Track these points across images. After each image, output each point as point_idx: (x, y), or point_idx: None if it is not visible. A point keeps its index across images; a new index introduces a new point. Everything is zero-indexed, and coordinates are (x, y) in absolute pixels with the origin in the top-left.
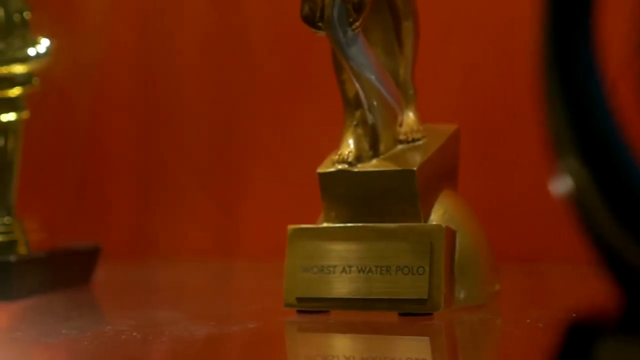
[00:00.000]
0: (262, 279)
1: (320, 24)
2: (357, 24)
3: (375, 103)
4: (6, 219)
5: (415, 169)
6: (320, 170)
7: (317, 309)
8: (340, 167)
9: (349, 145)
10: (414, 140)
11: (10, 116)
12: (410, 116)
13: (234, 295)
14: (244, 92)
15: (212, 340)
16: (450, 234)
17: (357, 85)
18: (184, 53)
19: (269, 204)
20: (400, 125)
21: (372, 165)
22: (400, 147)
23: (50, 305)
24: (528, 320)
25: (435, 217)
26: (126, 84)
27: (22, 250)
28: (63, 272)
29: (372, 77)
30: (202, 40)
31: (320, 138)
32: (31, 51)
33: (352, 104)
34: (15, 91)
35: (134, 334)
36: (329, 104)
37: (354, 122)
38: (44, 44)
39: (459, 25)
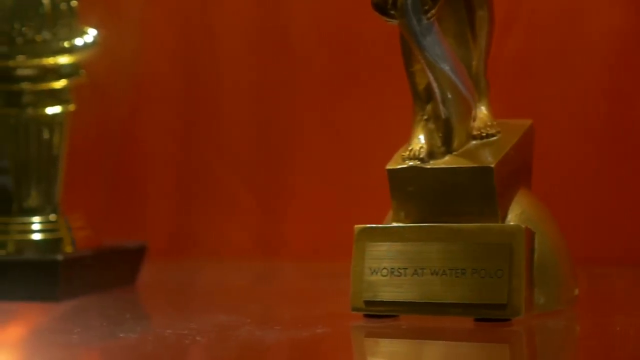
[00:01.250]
0: (312, 280)
1: (393, 12)
2: (433, 12)
3: (449, 96)
4: (51, 216)
5: (493, 165)
6: (390, 166)
7: (386, 314)
8: (411, 163)
9: (420, 141)
10: (488, 136)
11: (56, 109)
12: (482, 110)
13: (289, 297)
14: (288, 86)
15: (283, 346)
16: (530, 235)
17: (430, 77)
18: (225, 46)
19: (314, 203)
20: (474, 120)
21: (446, 161)
22: (473, 142)
23: (99, 306)
24: (618, 328)
25: (513, 217)
26: (167, 77)
27: (68, 248)
28: (109, 271)
29: (447, 68)
30: (244, 33)
31: (367, 134)
32: (78, 41)
33: (423, 97)
34: (61, 83)
35: (198, 338)
36: (376, 98)
37: (425, 116)
38: (91, 34)
39: (519, 16)
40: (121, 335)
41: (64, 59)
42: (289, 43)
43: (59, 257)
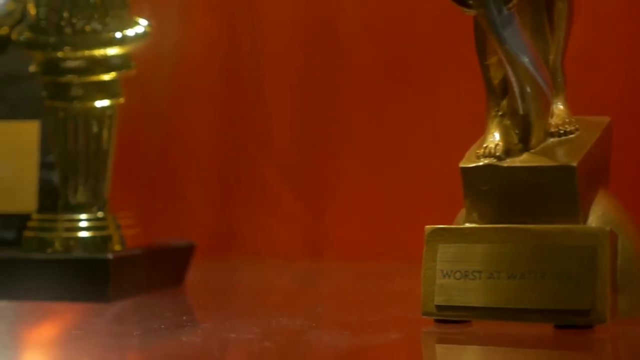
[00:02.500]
0: (363, 280)
1: (471, 1)
2: (514, 1)
3: (528, 90)
4: (99, 214)
5: (575, 164)
6: (464, 164)
7: (459, 319)
8: (487, 161)
9: (495, 138)
10: (566, 133)
11: (105, 102)
12: (560, 106)
13: (345, 299)
14: (334, 82)
15: (359, 352)
16: (614, 238)
17: (509, 70)
18: (269, 40)
19: (360, 201)
20: (551, 116)
21: (523, 160)
22: (551, 140)
23: (152, 307)
24: None
25: (594, 219)
26: (209, 72)
27: (117, 247)
28: (158, 271)
29: (527, 61)
30: (289, 26)
31: (415, 131)
32: (129, 32)
33: (497, 92)
34: (110, 75)
35: (266, 343)
36: (426, 95)
37: (500, 112)
38: (142, 25)
39: (582, 9)
40: (184, 339)
41: (113, 51)
42: (336, 36)
43: (110, 256)
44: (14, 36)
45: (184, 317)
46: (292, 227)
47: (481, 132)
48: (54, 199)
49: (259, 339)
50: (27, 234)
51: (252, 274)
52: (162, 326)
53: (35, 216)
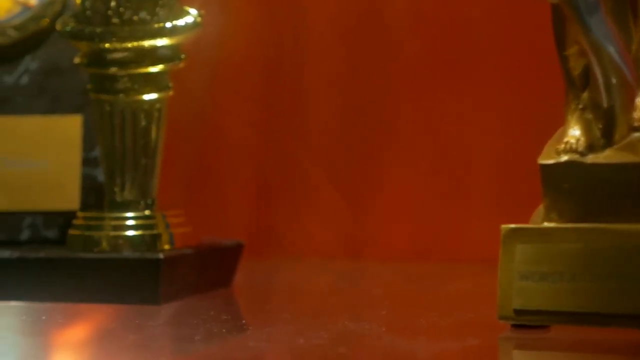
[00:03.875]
0: (417, 282)
1: None
2: None
3: (614, 81)
4: (148, 212)
5: None
6: (543, 161)
7: (538, 324)
8: (568, 157)
9: (576, 133)
10: None
11: (154, 95)
12: None
13: (406, 300)
14: (380, 75)
15: None
16: None
17: (593, 60)
18: (312, 32)
19: (405, 199)
20: (635, 110)
21: (608, 156)
22: (635, 135)
23: (206, 310)
24: None
25: None
26: (249, 65)
27: (166, 246)
28: (208, 272)
29: (612, 51)
30: (333, 17)
31: (467, 127)
32: (179, 22)
33: (578, 84)
34: (159, 67)
35: (341, 349)
36: (476, 89)
37: (580, 105)
38: (192, 15)
39: None
40: (250, 344)
41: (163, 42)
42: (382, 26)
43: (161, 256)
44: (58, 27)
45: (243, 321)
46: (334, 225)
47: (535, 127)
48: (97, 197)
49: (330, 345)
50: (73, 232)
51: (297, 274)
52: (223, 330)
53: (80, 214)
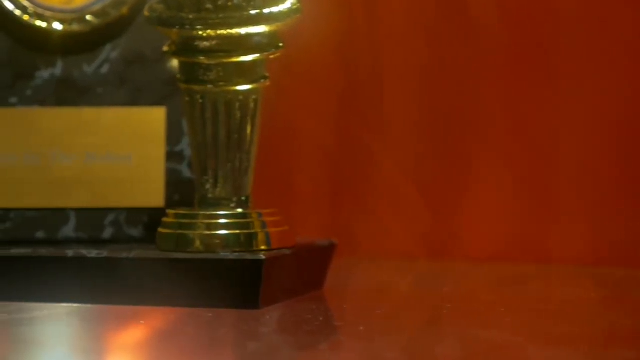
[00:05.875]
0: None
1: None
2: None
3: None
4: (242, 210)
5: None
6: None
7: None
8: None
9: None
10: None
11: (250, 86)
12: None
13: (522, 306)
14: (463, 67)
15: None
16: None
17: None
18: (388, 19)
19: (492, 199)
20: None
21: None
22: None
23: (314, 315)
24: None
25: None
26: (321, 56)
27: (262, 246)
28: (303, 273)
29: None
30: (413, 8)
31: (558, 124)
32: (276, 9)
33: None
34: (256, 56)
35: None
36: (569, 84)
37: None
38: (290, 1)
39: None
40: (388, 355)
41: (259, 29)
42: (466, 13)
43: (262, 257)
44: (145, 13)
45: (361, 327)
46: (413, 225)
47: (629, 125)
48: (183, 193)
49: (471, 356)
50: (162, 231)
51: (382, 275)
52: (343, 337)
53: (170, 212)
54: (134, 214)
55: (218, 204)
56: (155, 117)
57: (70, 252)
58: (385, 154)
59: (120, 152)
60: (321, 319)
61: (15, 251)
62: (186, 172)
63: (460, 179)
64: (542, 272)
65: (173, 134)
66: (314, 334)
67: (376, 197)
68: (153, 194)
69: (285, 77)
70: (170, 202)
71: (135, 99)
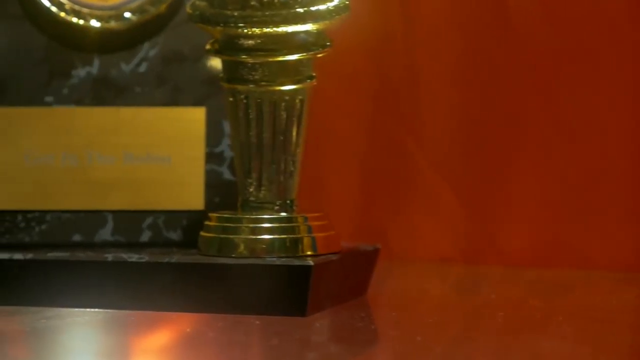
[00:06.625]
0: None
1: None
2: None
3: None
4: (287, 213)
5: None
6: None
7: None
8: None
9: None
10: None
11: (295, 86)
12: None
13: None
14: (502, 67)
15: None
16: None
17: None
18: (425, 18)
19: (530, 202)
20: None
21: None
22: None
23: (364, 324)
24: None
25: None
26: (355, 55)
27: (308, 252)
28: (349, 279)
29: None
30: (447, 3)
31: (600, 126)
32: (325, 6)
33: None
34: (302, 55)
35: None
36: (614, 85)
37: None
38: None
39: None
40: None
41: (306, 27)
42: (505, 12)
43: (310, 263)
44: (187, 10)
45: (418, 338)
46: (448, 228)
47: None
48: (224, 195)
49: None
50: (205, 235)
51: (422, 280)
52: (407, 349)
53: (213, 215)
54: (172, 216)
55: (261, 207)
56: (194, 117)
57: (109, 256)
58: (421, 155)
59: (159, 153)
60: (373, 327)
61: (52, 255)
62: (227, 174)
63: (498, 180)
64: (584, 278)
65: (213, 134)
66: (371, 344)
67: (410, 199)
68: (192, 196)
69: (318, 78)
70: (210, 205)
71: (174, 99)
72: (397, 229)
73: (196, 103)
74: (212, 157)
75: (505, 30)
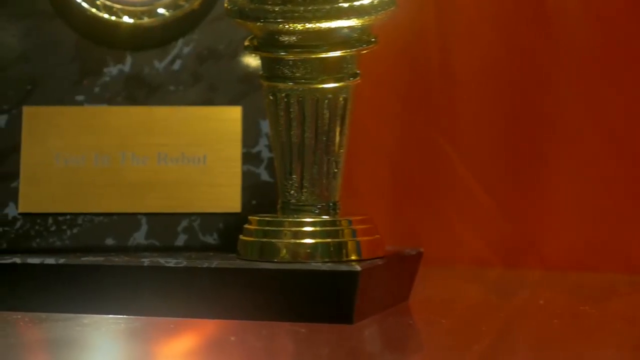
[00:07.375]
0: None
1: None
2: None
3: None
4: (330, 217)
5: None
6: None
7: None
8: None
9: None
10: None
11: (339, 84)
12: None
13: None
14: (539, 65)
15: None
16: None
17: None
18: (458, 14)
19: (570, 205)
20: None
21: None
22: None
23: (415, 333)
24: None
25: None
26: (386, 52)
27: (353, 256)
28: (393, 284)
29: None
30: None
31: None
32: (369, 1)
33: None
34: (346, 52)
35: None
36: None
37: None
38: None
39: None
40: None
41: (350, 22)
42: (544, 12)
43: (358, 268)
44: (225, 5)
45: (475, 346)
46: (485, 231)
47: None
48: (261, 197)
49: None
50: (245, 238)
51: (463, 285)
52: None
53: (253, 218)
54: (208, 219)
55: (302, 209)
56: (231, 117)
57: (146, 261)
58: (456, 155)
59: (194, 153)
60: (423, 335)
61: (86, 259)
62: (264, 175)
63: (536, 181)
64: (629, 283)
65: (250, 134)
66: (431, 355)
67: (444, 202)
68: (229, 198)
69: None
70: (247, 207)
71: (210, 97)
72: (430, 231)
73: (232, 102)
74: (249, 157)
75: (544, 26)
